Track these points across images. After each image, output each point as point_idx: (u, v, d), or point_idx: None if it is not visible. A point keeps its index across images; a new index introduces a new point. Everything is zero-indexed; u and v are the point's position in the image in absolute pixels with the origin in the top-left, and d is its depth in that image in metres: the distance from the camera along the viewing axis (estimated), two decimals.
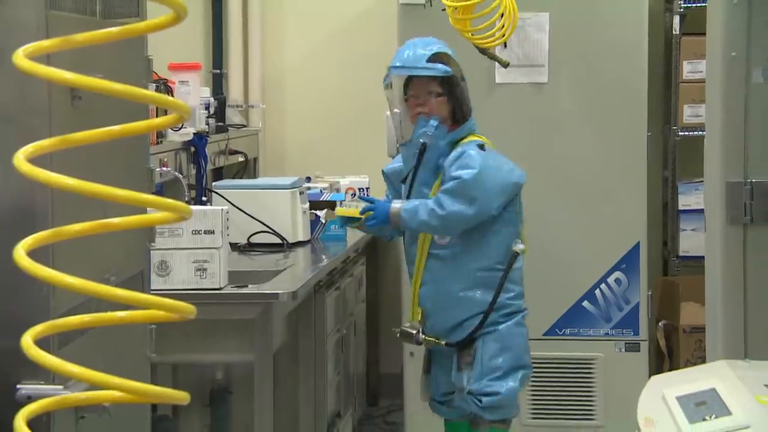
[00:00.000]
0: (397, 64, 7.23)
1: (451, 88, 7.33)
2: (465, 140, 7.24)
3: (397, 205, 7.11)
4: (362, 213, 7.10)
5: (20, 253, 3.31)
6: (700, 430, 3.78)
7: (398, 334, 7.36)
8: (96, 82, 3.32)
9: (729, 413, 3.84)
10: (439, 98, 7.32)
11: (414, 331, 7.11)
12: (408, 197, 7.22)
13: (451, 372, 7.31)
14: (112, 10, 4.09)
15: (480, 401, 7.16)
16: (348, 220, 7.41)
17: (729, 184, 6.28)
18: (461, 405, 7.38)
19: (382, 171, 7.55)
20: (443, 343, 7.19)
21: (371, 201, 7.56)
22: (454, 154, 7.13)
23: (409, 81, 7.22)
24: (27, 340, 3.30)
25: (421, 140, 6.86)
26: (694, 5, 9.26)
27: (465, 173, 7.00)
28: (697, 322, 8.58)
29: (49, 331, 3.42)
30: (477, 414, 7.32)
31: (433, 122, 6.93)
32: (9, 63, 3.24)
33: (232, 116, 10.28)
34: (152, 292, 4.94)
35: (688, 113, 9.49)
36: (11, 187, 3.75)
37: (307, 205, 9.00)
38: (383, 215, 7.07)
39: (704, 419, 3.85)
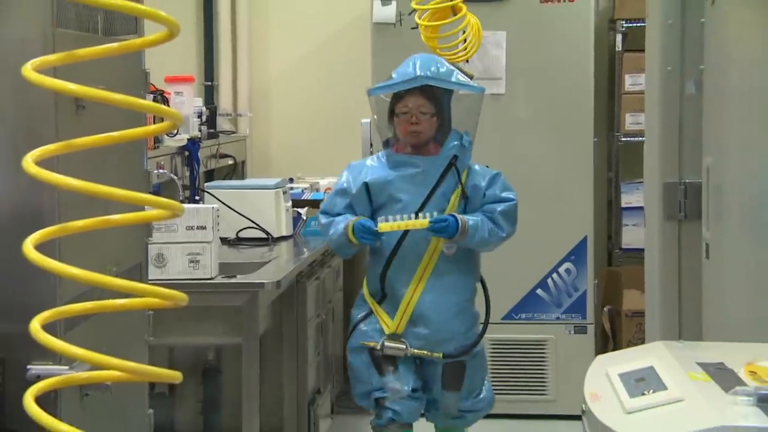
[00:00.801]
0: (434, 76, 6.37)
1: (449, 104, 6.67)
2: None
3: (463, 218, 6.27)
4: (433, 221, 6.14)
5: (29, 247, 3.31)
6: (639, 404, 3.79)
7: (381, 352, 6.46)
8: (98, 92, 3.32)
9: (665, 388, 3.85)
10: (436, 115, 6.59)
11: (402, 346, 6.38)
12: (423, 206, 6.36)
13: (433, 387, 6.70)
14: (113, 27, 4.08)
15: (465, 417, 6.86)
16: (375, 235, 6.30)
17: (666, 184, 6.36)
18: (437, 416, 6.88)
19: (365, 182, 6.39)
20: (439, 355, 6.46)
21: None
22: (485, 172, 6.62)
23: (429, 93, 6.38)
24: (35, 326, 3.29)
25: (453, 152, 6.28)
26: (634, 25, 9.30)
27: (513, 195, 6.60)
28: (637, 307, 8.59)
29: (55, 317, 3.41)
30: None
31: (467, 137, 6.40)
32: (19, 75, 3.24)
33: (222, 124, 10.28)
34: (150, 281, 4.95)
35: (630, 121, 9.56)
36: (21, 188, 3.77)
37: (290, 203, 8.88)
38: (454, 227, 6.18)
39: (643, 394, 3.86)
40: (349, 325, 6.90)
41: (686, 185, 6.20)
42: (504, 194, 6.47)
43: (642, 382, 3.97)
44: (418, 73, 6.22)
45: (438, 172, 6.42)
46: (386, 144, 6.56)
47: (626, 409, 3.81)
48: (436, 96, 6.38)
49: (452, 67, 6.48)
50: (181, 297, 3.31)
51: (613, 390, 3.99)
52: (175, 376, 3.42)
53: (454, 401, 6.64)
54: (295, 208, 9.02)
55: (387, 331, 6.45)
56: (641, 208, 7.23)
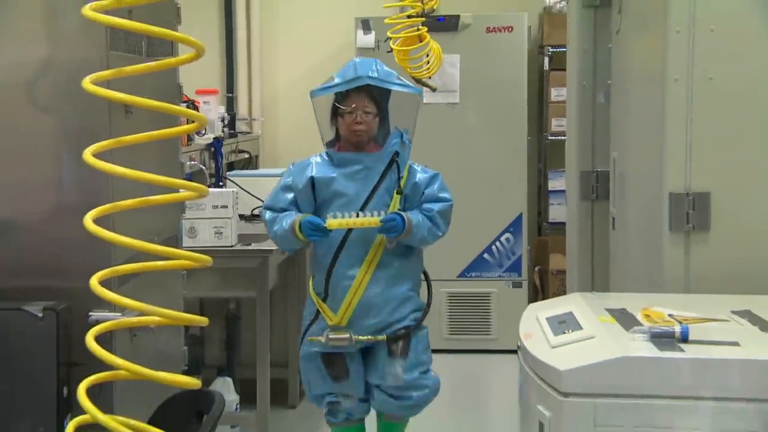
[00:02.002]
0: (374, 76, 5.33)
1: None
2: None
3: (408, 216, 5.21)
4: (383, 221, 5.07)
5: (88, 221, 3.32)
6: (561, 340, 3.81)
7: (326, 344, 5.34)
8: (142, 100, 3.34)
9: (581, 328, 3.87)
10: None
11: (346, 336, 5.23)
12: (367, 201, 5.28)
13: (378, 364, 5.43)
14: (153, 49, 4.07)
15: (411, 397, 5.45)
16: (323, 231, 5.20)
17: (582, 172, 6.43)
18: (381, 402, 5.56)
19: (311, 177, 5.30)
20: (383, 338, 5.32)
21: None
22: (425, 173, 5.44)
23: (373, 89, 5.35)
24: (94, 282, 3.31)
25: (395, 149, 5.20)
26: (558, 50, 9.28)
27: (450, 196, 5.46)
28: (561, 267, 8.58)
29: (110, 275, 3.43)
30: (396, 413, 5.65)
31: (407, 135, 5.34)
32: (80, 88, 3.24)
33: (240, 126, 10.24)
34: (183, 248, 4.94)
35: (555, 124, 9.58)
36: (84, 175, 3.80)
37: None
38: (401, 226, 5.13)
39: (564, 333, 3.88)
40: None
41: (597, 173, 6.25)
42: (441, 194, 5.38)
43: (563, 323, 3.98)
44: (360, 73, 5.28)
45: (381, 168, 5.37)
46: (329, 145, 5.52)
47: (551, 344, 3.82)
48: (376, 96, 5.39)
49: (391, 70, 5.52)
50: (207, 260, 3.37)
51: (542, 330, 4.01)
52: (203, 321, 3.47)
53: (402, 369, 5.33)
54: None
55: (330, 324, 5.34)
56: (563, 191, 7.23)
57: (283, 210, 5.41)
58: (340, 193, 5.34)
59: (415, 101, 5.62)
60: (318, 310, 5.45)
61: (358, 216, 5.18)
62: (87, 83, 3.29)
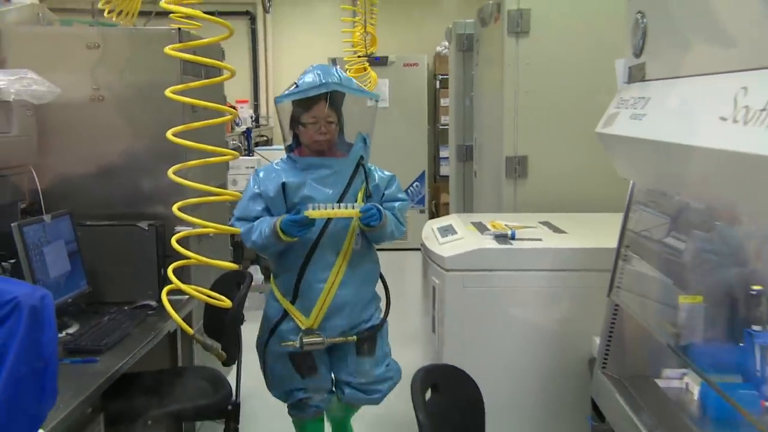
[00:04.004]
0: (338, 82, 3.57)
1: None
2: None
3: (381, 208, 3.60)
4: (363, 211, 3.42)
5: (170, 173, 3.30)
6: (445, 239, 3.83)
7: (300, 349, 3.60)
8: (201, 102, 3.32)
9: (456, 233, 3.89)
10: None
11: (320, 339, 3.58)
12: (339, 202, 3.55)
13: (348, 362, 3.74)
14: (208, 73, 4.03)
15: (380, 390, 3.78)
16: (305, 225, 3.49)
17: (458, 146, 6.40)
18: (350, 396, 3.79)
19: (283, 183, 3.56)
20: (354, 338, 3.68)
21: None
22: (383, 174, 3.78)
23: (334, 99, 3.62)
24: (175, 209, 3.29)
25: (360, 153, 3.63)
26: (443, 76, 9.21)
27: (405, 196, 3.82)
28: (446, 201, 8.57)
29: (184, 205, 3.39)
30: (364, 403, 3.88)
31: (369, 139, 3.76)
32: (160, 94, 3.23)
33: (262, 121, 10.23)
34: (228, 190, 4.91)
35: (443, 119, 9.52)
36: (168, 147, 3.38)
37: None
38: (379, 215, 3.49)
39: (446, 236, 3.89)
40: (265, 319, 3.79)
41: (466, 146, 6.27)
42: (399, 195, 3.77)
43: (446, 230, 3.99)
44: (324, 80, 3.48)
45: (349, 172, 3.64)
46: (288, 149, 3.71)
47: (440, 242, 3.84)
48: (337, 103, 3.65)
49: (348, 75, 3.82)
50: (239, 195, 3.39)
51: (434, 235, 4.02)
52: (238, 231, 3.53)
53: (371, 366, 3.74)
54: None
55: (303, 327, 3.61)
56: (447, 157, 7.25)
57: (256, 218, 3.59)
58: (311, 197, 3.54)
59: (374, 106, 3.88)
60: (285, 310, 3.64)
61: (337, 207, 3.46)
62: (168, 92, 3.28)
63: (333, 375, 3.79)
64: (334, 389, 3.78)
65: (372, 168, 3.71)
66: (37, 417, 2.17)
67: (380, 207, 3.53)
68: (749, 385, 2.28)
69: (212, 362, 3.81)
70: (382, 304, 3.81)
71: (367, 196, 3.62)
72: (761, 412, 2.17)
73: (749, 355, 2.29)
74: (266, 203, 3.55)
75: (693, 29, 2.21)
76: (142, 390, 3.48)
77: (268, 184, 3.55)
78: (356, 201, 3.57)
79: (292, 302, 3.60)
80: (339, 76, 3.54)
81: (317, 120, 3.51)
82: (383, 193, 3.69)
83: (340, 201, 3.54)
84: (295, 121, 3.60)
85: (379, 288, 3.82)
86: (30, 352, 2.06)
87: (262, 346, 3.71)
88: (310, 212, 3.39)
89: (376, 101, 3.82)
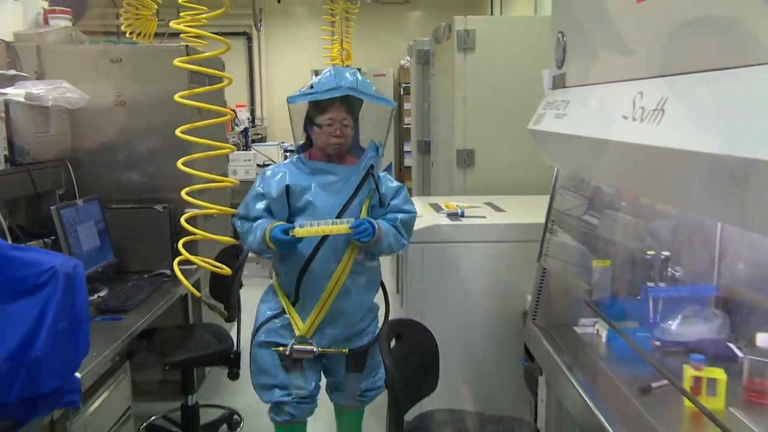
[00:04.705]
0: (353, 86, 2.88)
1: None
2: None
3: (377, 222, 2.89)
4: (353, 227, 2.77)
5: (179, 164, 3.29)
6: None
7: (290, 355, 2.94)
8: (208, 107, 3.32)
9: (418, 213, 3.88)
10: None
11: (310, 348, 2.92)
12: (341, 213, 2.89)
13: (336, 374, 3.08)
14: (211, 81, 3.97)
15: (369, 396, 3.12)
16: (293, 243, 2.85)
17: (418, 141, 6.33)
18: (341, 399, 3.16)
19: (287, 185, 2.93)
20: (345, 351, 2.98)
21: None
22: (392, 184, 3.06)
23: (352, 103, 2.97)
24: (183, 193, 3.27)
25: (371, 162, 2.89)
26: (407, 84, 9.12)
27: (413, 209, 3.04)
28: (410, 186, 8.48)
29: (191, 190, 3.39)
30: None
31: (382, 148, 2.96)
32: (171, 101, 3.20)
33: (257, 122, 10.12)
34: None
35: (406, 120, 9.35)
36: (177, 142, 3.42)
37: (283, 150, 7.92)
38: (372, 230, 2.82)
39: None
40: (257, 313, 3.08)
41: (425, 141, 6.23)
42: (405, 206, 3.00)
43: None
44: (340, 83, 2.84)
45: (357, 180, 2.93)
46: (299, 149, 3.03)
47: None
48: (355, 107, 2.97)
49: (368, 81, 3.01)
50: (237, 182, 3.33)
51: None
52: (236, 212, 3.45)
53: (356, 382, 3.06)
54: (285, 153, 8.56)
55: (297, 333, 2.94)
56: (410, 150, 7.16)
57: (257, 218, 2.95)
58: (314, 203, 2.88)
59: (389, 113, 3.04)
60: (283, 308, 2.97)
61: (327, 224, 2.79)
62: (177, 97, 3.27)
63: (323, 376, 3.11)
64: (315, 396, 3.00)
65: (381, 177, 3.00)
66: (73, 363, 2.18)
67: (373, 222, 2.81)
68: (644, 329, 2.33)
69: (216, 320, 3.82)
70: (380, 312, 3.10)
71: (374, 206, 2.94)
72: (652, 350, 2.23)
73: (644, 306, 2.35)
74: (268, 203, 2.92)
75: (601, 46, 2.23)
76: (160, 342, 3.50)
77: (272, 185, 2.92)
78: (361, 210, 2.89)
79: (293, 304, 2.95)
80: (356, 79, 2.89)
81: (333, 122, 2.88)
82: (388, 204, 2.98)
83: (344, 209, 2.87)
84: (309, 122, 2.94)
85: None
86: (65, 311, 2.07)
87: (253, 334, 3.02)
88: (297, 231, 2.77)
89: (393, 110, 3.03)
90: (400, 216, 2.97)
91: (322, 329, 2.95)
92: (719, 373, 1.89)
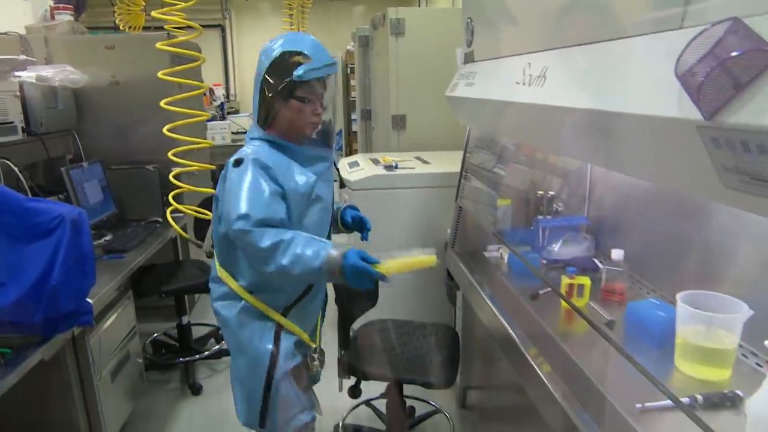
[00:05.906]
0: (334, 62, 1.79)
1: None
2: None
3: None
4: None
5: (165, 130, 3.19)
6: (352, 170, 3.73)
7: (313, 372, 1.96)
8: (185, 81, 3.22)
9: (359, 166, 3.79)
10: None
11: (322, 359, 2.02)
12: (332, 204, 1.97)
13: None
14: (190, 61, 3.88)
15: None
16: (378, 278, 1.55)
17: (362, 109, 6.20)
18: None
19: (311, 182, 1.74)
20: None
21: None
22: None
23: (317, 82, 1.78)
24: (170, 154, 3.18)
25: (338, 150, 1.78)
26: (352, 65, 8.67)
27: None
28: (356, 148, 8.39)
29: (177, 152, 3.28)
30: None
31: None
32: (156, 78, 3.09)
33: (231, 97, 9.90)
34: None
35: (352, 94, 8.63)
36: (161, 112, 3.27)
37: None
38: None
39: (353, 168, 3.80)
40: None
41: (367, 110, 6.13)
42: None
43: (354, 165, 3.92)
44: (333, 59, 1.80)
45: (333, 165, 1.97)
46: (263, 127, 1.83)
47: (348, 173, 3.77)
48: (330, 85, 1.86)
49: None
50: (211, 167, 3.24)
51: (346, 168, 3.89)
52: (213, 167, 3.36)
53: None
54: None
55: (312, 345, 1.96)
56: (356, 118, 6.95)
57: (281, 221, 1.67)
58: (320, 196, 1.85)
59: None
60: (276, 327, 1.88)
61: (409, 254, 1.67)
62: (160, 74, 3.17)
63: None
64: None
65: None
66: (82, 291, 2.19)
67: None
68: (534, 251, 2.40)
69: (201, 256, 3.79)
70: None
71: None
72: (540, 267, 2.30)
73: (535, 234, 2.41)
74: (288, 203, 1.75)
75: (500, 28, 2.23)
76: (156, 275, 3.46)
77: (293, 177, 1.78)
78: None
79: (284, 315, 1.91)
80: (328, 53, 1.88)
81: (317, 98, 1.84)
82: None
83: (332, 199, 1.98)
84: (282, 97, 1.83)
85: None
86: (74, 249, 2.07)
87: (264, 372, 1.87)
88: (387, 266, 1.63)
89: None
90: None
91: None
92: (586, 281, 1.98)
